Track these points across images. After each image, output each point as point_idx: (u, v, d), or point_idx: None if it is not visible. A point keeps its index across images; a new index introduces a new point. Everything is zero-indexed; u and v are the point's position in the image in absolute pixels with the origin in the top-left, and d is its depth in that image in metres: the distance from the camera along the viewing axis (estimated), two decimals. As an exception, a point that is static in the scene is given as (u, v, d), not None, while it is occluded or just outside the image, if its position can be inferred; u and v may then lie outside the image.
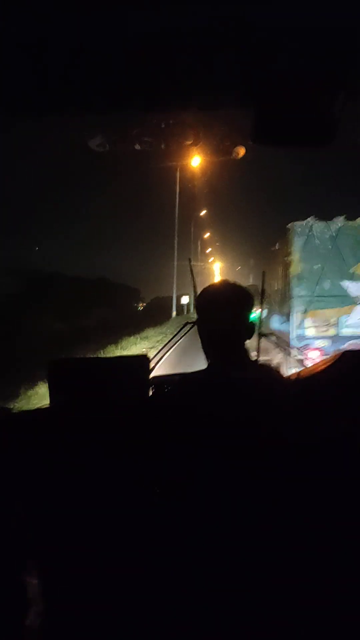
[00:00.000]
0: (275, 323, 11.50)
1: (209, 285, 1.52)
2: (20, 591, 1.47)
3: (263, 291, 2.43)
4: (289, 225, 8.98)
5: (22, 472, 1.64)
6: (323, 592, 1.33)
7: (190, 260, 2.61)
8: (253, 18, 1.45)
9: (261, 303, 2.35)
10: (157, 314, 33.04)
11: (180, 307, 40.56)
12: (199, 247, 55.17)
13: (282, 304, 10.08)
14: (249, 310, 1.49)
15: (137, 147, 2.73)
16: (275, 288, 11.09)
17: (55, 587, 1.47)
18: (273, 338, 2.39)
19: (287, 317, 9.46)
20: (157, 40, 1.63)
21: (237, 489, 1.33)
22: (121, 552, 1.45)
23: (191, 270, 2.41)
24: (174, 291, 32.62)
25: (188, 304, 41.15)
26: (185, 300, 39.92)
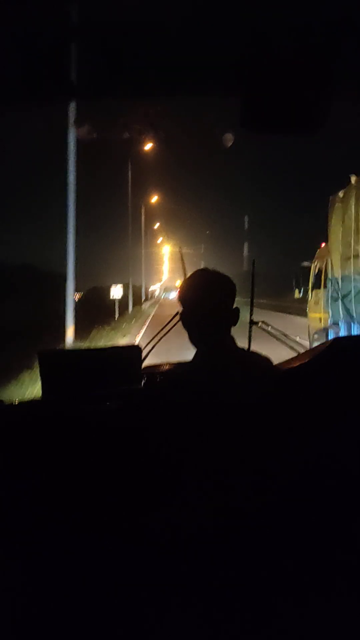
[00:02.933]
0: None
1: (190, 275, 1.53)
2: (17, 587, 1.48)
3: (253, 282, 2.41)
4: None
5: (14, 464, 1.64)
6: (320, 593, 1.35)
7: (180, 249, 2.63)
8: (243, 3, 1.44)
9: (251, 296, 2.34)
10: (93, 312, 21.07)
11: (106, 304, 24.02)
12: (143, 218, 40.00)
13: None
14: (232, 297, 1.52)
15: (126, 135, 2.71)
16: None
17: (50, 585, 1.47)
18: (268, 328, 2.37)
19: None
20: (146, 26, 1.62)
21: (228, 481, 1.34)
22: (116, 546, 1.45)
23: (182, 258, 2.42)
24: (70, 278, 14.71)
25: (122, 298, 24.70)
26: (117, 293, 23.46)
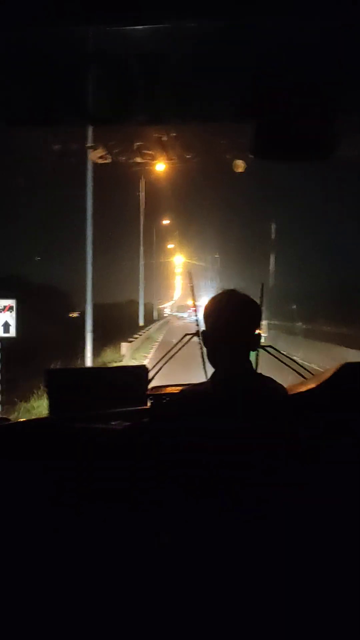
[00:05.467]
0: None
1: (217, 295, 1.53)
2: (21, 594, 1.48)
3: (261, 303, 2.41)
4: None
5: (21, 482, 1.64)
6: (323, 593, 1.34)
7: (190, 273, 2.65)
8: (254, 33, 1.48)
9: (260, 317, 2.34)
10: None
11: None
12: (143, 200, 28.39)
13: None
14: (257, 322, 1.52)
15: (139, 159, 2.76)
16: None
17: (54, 596, 1.47)
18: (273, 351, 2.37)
19: None
20: (159, 55, 1.66)
21: (238, 499, 1.33)
22: (120, 562, 1.44)
23: (190, 279, 2.43)
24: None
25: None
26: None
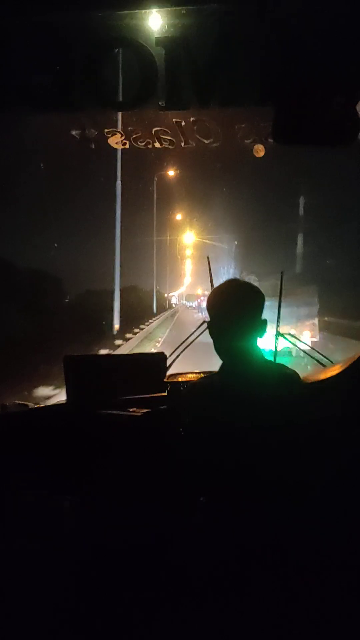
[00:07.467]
0: None
1: (219, 285, 1.53)
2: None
3: (280, 293, 2.39)
4: None
5: (39, 466, 1.66)
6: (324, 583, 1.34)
7: (208, 258, 2.62)
8: (277, 17, 1.45)
9: (278, 306, 2.32)
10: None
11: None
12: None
13: None
14: (260, 309, 1.51)
15: (157, 144, 2.73)
16: None
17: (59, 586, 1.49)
18: (292, 339, 2.35)
19: None
20: (180, 38, 1.63)
21: (244, 488, 1.34)
22: (129, 546, 1.45)
23: (209, 268, 2.42)
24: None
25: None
26: None
